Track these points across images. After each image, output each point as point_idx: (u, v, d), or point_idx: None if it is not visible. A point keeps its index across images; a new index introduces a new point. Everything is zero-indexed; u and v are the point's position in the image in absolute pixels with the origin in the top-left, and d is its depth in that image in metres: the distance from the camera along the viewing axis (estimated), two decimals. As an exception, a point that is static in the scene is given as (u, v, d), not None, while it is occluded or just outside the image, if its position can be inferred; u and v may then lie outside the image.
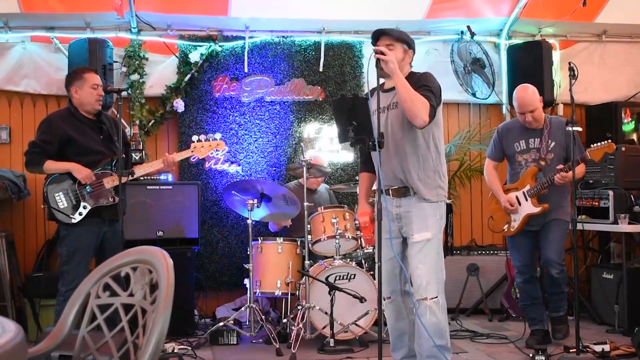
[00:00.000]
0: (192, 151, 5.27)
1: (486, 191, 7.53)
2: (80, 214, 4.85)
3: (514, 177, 5.57)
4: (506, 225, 5.56)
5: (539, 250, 5.52)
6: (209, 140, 5.31)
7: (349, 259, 5.87)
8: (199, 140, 5.28)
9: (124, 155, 4.83)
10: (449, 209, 4.22)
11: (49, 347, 2.20)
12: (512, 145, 5.52)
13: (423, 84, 4.03)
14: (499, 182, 5.64)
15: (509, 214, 5.51)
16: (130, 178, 5.01)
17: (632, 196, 6.21)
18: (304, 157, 5.86)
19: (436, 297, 3.99)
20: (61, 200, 4.84)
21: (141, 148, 6.44)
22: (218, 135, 5.39)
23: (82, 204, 4.86)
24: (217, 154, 6.81)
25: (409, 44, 4.21)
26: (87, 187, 4.86)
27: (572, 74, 4.89)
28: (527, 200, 5.41)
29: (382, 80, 4.07)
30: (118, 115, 4.77)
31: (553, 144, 5.39)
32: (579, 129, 5.02)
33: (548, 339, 5.52)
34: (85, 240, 4.88)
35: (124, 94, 5.07)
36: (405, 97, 3.89)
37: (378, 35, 4.16)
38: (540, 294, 5.61)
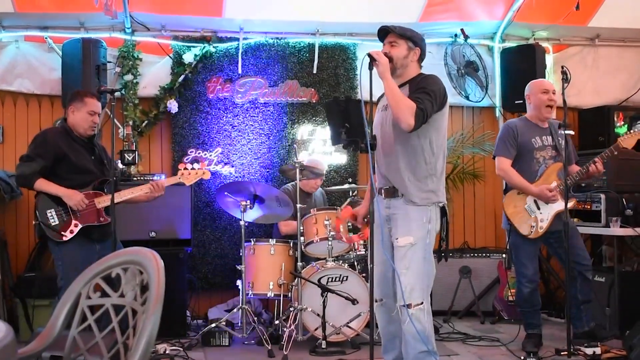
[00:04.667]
0: (179, 178, 5.26)
1: (479, 194, 7.60)
2: (71, 231, 4.82)
3: (531, 175, 5.34)
4: (532, 228, 5.32)
5: (568, 253, 4.96)
6: (195, 170, 5.30)
7: (341, 261, 5.87)
8: (185, 169, 5.28)
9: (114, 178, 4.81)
10: (444, 212, 4.17)
11: (39, 347, 2.20)
12: (530, 141, 5.37)
13: (421, 86, 3.97)
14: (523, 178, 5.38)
15: (535, 216, 5.31)
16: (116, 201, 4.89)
17: (624, 199, 6.22)
18: (297, 159, 5.87)
19: (421, 303, 3.96)
20: (52, 217, 4.81)
21: (134, 149, 6.44)
22: (204, 165, 5.38)
23: (74, 222, 4.83)
24: (209, 155, 6.82)
25: (415, 42, 4.10)
26: None
27: (565, 78, 4.90)
28: None
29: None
30: (111, 116, 4.78)
31: (562, 141, 5.30)
32: (572, 132, 5.00)
33: (541, 343, 5.52)
34: (81, 258, 4.74)
35: (117, 94, 5.07)
36: (391, 100, 3.86)
37: (383, 34, 4.12)
38: (540, 300, 5.51)
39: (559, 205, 5.21)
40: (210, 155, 6.85)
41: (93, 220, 4.89)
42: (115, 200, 4.80)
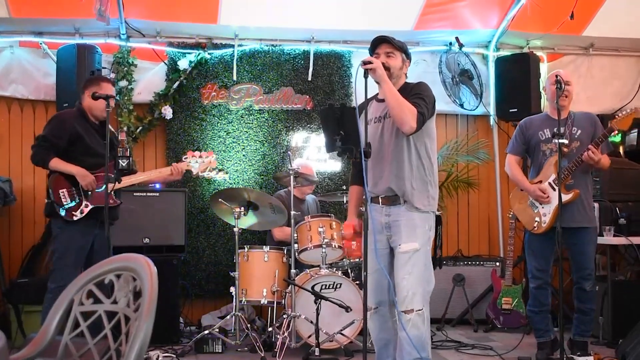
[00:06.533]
0: (187, 165, 5.34)
1: (473, 202, 7.61)
2: (81, 212, 4.90)
3: (538, 170, 5.30)
4: (536, 223, 5.25)
5: (561, 259, 4.85)
6: (202, 158, 5.37)
7: (335, 268, 5.87)
8: (192, 156, 5.36)
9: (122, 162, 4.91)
10: (438, 220, 4.18)
11: (31, 353, 2.19)
12: (537, 134, 5.28)
13: (415, 92, 4.02)
14: (524, 175, 5.41)
15: (538, 211, 5.24)
16: (128, 183, 5.11)
17: (617, 208, 6.24)
18: (291, 166, 5.87)
19: (421, 309, 3.96)
20: (65, 197, 4.88)
21: (128, 155, 6.40)
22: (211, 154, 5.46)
23: (84, 202, 4.91)
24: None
25: (407, 54, 4.20)
26: None
27: (559, 87, 4.91)
28: (554, 190, 5.09)
29: (374, 91, 4.07)
30: (106, 122, 4.80)
31: (579, 131, 5.19)
32: (565, 141, 4.97)
33: (557, 346, 5.27)
34: (79, 240, 4.94)
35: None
36: (393, 103, 3.88)
37: (378, 43, 4.14)
38: (550, 301, 5.38)
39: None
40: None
41: (103, 202, 4.91)
42: (129, 182, 5.12)
